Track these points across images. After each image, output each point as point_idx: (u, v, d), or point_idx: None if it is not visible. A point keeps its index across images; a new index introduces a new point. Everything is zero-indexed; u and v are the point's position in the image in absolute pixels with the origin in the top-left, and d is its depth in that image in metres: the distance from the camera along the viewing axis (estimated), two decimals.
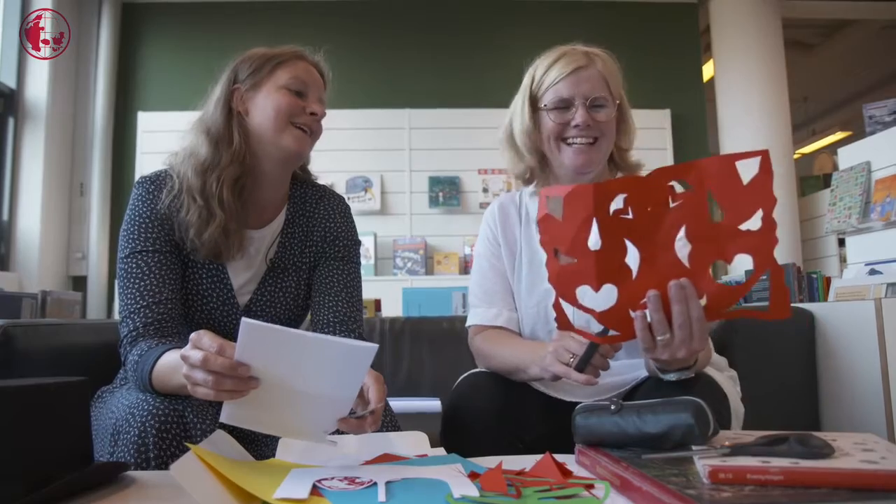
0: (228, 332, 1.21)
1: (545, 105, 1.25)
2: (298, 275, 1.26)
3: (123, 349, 1.09)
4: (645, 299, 0.88)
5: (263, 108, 1.17)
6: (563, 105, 1.23)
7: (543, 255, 1.26)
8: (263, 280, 1.23)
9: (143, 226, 1.13)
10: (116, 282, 1.14)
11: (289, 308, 1.25)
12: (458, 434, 1.11)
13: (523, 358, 1.13)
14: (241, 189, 1.17)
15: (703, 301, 0.89)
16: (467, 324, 1.33)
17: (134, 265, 1.11)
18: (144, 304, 1.09)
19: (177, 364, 0.89)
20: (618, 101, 1.25)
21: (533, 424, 1.12)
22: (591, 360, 0.98)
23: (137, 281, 1.10)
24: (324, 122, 1.26)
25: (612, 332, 0.94)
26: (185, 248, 1.15)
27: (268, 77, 1.18)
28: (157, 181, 1.18)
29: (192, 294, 1.17)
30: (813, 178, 5.44)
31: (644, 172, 1.21)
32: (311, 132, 1.20)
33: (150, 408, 0.94)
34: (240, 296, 1.21)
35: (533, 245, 1.30)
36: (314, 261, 1.28)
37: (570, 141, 1.24)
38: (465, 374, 1.26)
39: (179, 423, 0.95)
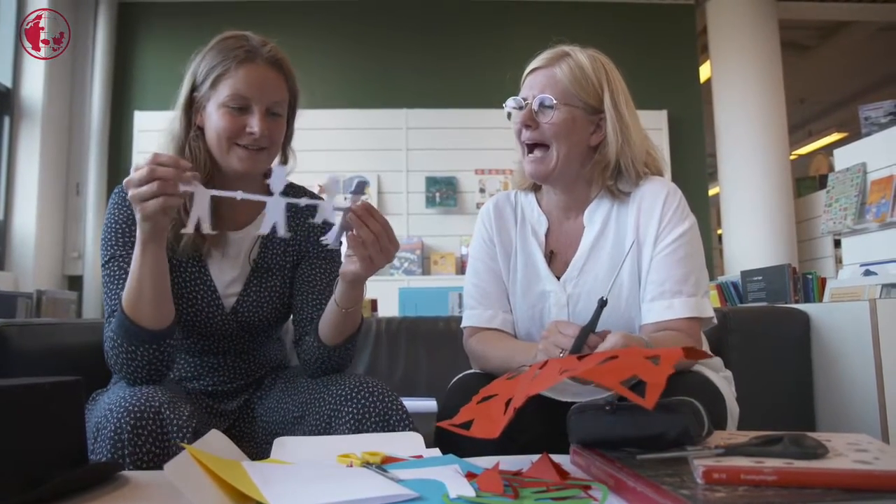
0: (216, 334, 1.21)
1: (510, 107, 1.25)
2: (283, 274, 1.26)
3: (105, 346, 1.08)
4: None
5: (209, 127, 1.15)
6: (518, 106, 1.23)
7: (539, 257, 1.27)
8: (248, 281, 1.23)
9: (121, 231, 1.13)
10: (102, 288, 1.13)
11: (275, 308, 1.25)
12: (454, 436, 1.11)
13: (517, 359, 1.13)
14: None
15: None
16: (462, 325, 1.33)
17: (116, 268, 1.11)
18: None
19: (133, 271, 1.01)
20: (576, 106, 1.19)
21: (527, 425, 1.12)
22: (580, 353, 0.97)
23: (122, 281, 1.09)
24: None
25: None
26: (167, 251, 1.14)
27: (211, 92, 1.14)
28: None
29: (178, 297, 1.17)
30: (809, 180, 5.46)
31: (656, 183, 1.21)
32: (260, 148, 1.15)
33: (127, 405, 0.95)
34: (225, 298, 1.21)
35: (528, 246, 1.30)
36: (297, 260, 1.28)
37: (525, 143, 1.23)
38: (459, 376, 1.26)
39: (155, 419, 0.95)
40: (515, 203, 1.36)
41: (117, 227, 1.14)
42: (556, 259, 1.28)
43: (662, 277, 1.16)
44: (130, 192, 0.95)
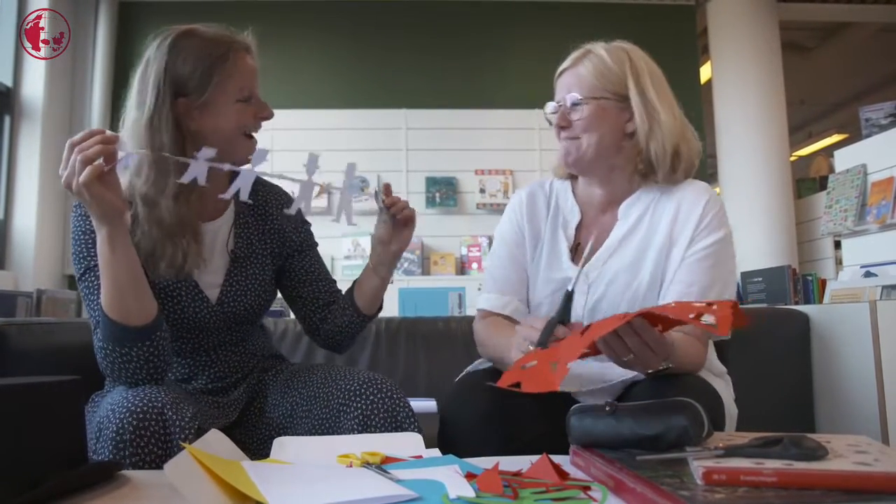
0: (203, 328, 1.21)
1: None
2: (262, 262, 1.27)
3: (97, 357, 1.07)
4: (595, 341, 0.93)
5: (218, 126, 1.14)
6: (554, 110, 1.28)
7: (564, 247, 1.29)
8: (229, 272, 1.23)
9: (91, 241, 1.09)
10: (83, 302, 1.13)
11: (258, 296, 1.25)
12: (455, 436, 1.11)
13: (506, 348, 1.14)
14: (191, 205, 1.14)
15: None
16: (478, 307, 1.36)
17: (95, 278, 1.08)
18: None
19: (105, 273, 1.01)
20: (604, 98, 1.22)
21: (528, 425, 1.12)
22: (546, 345, 1.01)
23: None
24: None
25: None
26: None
27: (217, 91, 1.12)
28: None
29: (161, 298, 1.15)
30: (809, 181, 5.46)
31: (691, 186, 1.24)
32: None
33: (130, 405, 0.95)
34: (208, 290, 1.20)
35: (556, 236, 1.31)
36: (276, 249, 1.30)
37: (562, 141, 1.27)
38: (460, 377, 1.26)
39: (158, 420, 0.95)
40: (550, 192, 1.37)
41: (86, 237, 1.11)
42: (582, 251, 1.28)
43: (690, 280, 1.17)
44: (64, 183, 0.95)
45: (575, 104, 1.23)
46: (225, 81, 1.13)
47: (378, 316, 1.36)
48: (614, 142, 1.24)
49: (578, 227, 1.32)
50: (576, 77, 1.25)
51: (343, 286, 1.37)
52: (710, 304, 0.81)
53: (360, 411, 1.09)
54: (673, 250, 1.21)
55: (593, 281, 1.24)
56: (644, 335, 0.93)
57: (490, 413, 1.10)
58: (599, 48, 1.26)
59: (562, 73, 1.29)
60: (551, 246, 1.31)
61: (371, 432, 1.07)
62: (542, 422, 1.12)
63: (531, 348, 1.00)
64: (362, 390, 1.10)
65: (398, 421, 1.09)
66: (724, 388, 1.21)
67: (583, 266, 1.08)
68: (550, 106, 1.29)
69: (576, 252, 1.29)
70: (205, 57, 1.13)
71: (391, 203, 1.22)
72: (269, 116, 1.20)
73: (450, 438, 1.11)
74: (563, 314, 1.02)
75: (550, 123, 1.29)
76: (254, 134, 1.20)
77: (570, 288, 1.03)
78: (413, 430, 1.08)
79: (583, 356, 1.00)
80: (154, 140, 1.09)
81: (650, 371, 1.04)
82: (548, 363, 0.83)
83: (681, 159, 1.25)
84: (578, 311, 1.24)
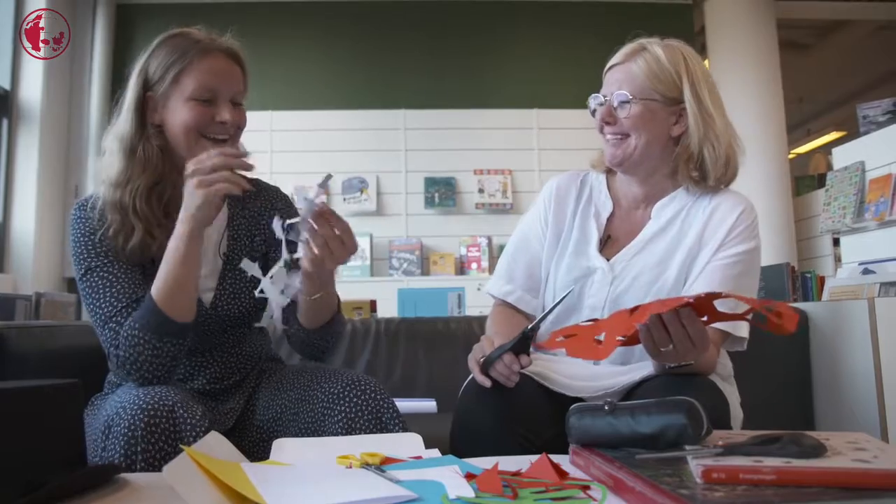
0: (200, 331, 1.20)
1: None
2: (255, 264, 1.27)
3: (114, 350, 1.07)
4: (645, 321, 0.94)
5: (172, 123, 1.14)
6: (599, 104, 1.26)
7: (594, 239, 1.29)
8: (222, 275, 1.23)
9: (89, 243, 1.12)
10: (83, 302, 1.14)
11: (253, 298, 1.25)
12: (470, 440, 1.10)
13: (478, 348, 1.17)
14: (159, 194, 1.15)
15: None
16: (486, 289, 1.39)
17: (97, 278, 1.10)
18: (123, 305, 1.08)
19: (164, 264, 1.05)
20: (653, 99, 1.20)
21: (544, 426, 1.11)
22: (493, 365, 1.06)
23: (108, 288, 1.09)
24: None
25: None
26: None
27: (173, 87, 1.13)
28: (88, 202, 1.17)
29: None
30: (808, 178, 5.47)
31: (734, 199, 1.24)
32: (228, 137, 1.16)
33: (141, 403, 0.95)
34: (202, 293, 1.20)
35: (587, 226, 1.31)
36: (267, 249, 1.30)
37: (605, 135, 1.25)
38: (469, 380, 1.24)
39: (169, 418, 0.95)
40: (583, 183, 1.37)
41: (86, 239, 1.13)
42: (611, 243, 1.29)
43: (712, 285, 1.16)
44: (212, 167, 1.01)
45: (623, 102, 1.21)
46: (181, 77, 1.13)
47: (323, 337, 1.24)
48: (660, 144, 1.23)
49: (609, 220, 1.31)
50: (627, 74, 1.22)
51: (340, 286, 1.35)
52: (765, 303, 0.84)
53: (343, 414, 1.08)
54: (700, 253, 1.21)
55: (618, 274, 1.24)
56: (690, 327, 0.93)
57: (506, 416, 1.09)
58: (656, 46, 1.23)
59: (612, 66, 1.26)
60: (580, 234, 1.31)
61: (356, 434, 1.07)
62: (556, 423, 1.11)
63: (480, 360, 1.08)
64: (345, 393, 1.10)
65: (383, 422, 1.09)
66: (731, 391, 1.21)
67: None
68: (594, 100, 1.26)
69: (605, 244, 1.29)
70: (170, 53, 1.14)
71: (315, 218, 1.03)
72: (228, 121, 1.14)
73: (465, 442, 1.10)
74: (517, 346, 1.04)
75: (593, 115, 1.26)
76: (220, 138, 1.15)
77: (528, 327, 1.05)
78: (398, 431, 1.08)
79: (623, 343, 1.02)
80: (121, 128, 1.16)
81: (672, 365, 1.04)
82: (591, 335, 0.87)
83: (729, 166, 1.24)
84: (600, 302, 1.24)
